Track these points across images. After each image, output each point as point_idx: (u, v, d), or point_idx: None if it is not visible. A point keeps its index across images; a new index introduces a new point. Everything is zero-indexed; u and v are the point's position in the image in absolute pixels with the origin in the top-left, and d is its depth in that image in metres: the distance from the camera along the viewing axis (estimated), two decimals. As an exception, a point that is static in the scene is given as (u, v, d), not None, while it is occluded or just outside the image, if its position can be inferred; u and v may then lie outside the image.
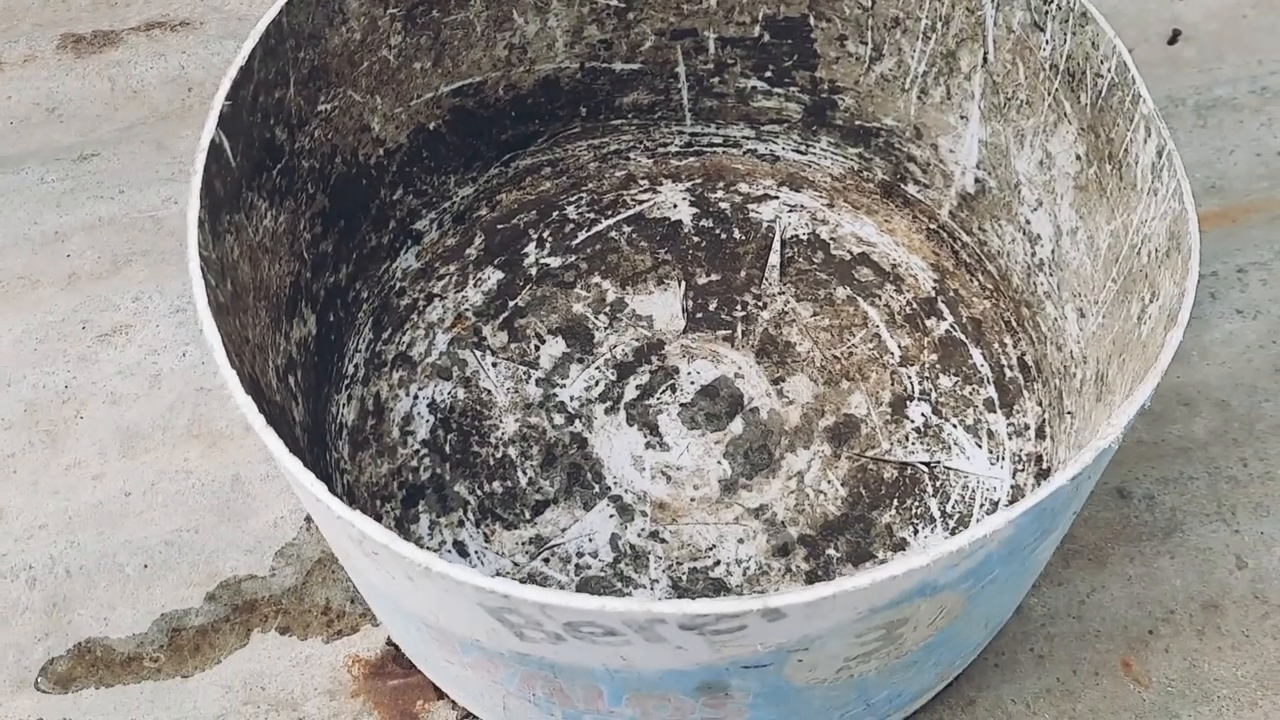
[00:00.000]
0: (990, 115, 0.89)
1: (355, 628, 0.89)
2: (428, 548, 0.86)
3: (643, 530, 0.88)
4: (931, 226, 0.99)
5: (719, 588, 0.85)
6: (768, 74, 0.99)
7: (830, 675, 0.65)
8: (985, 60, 0.87)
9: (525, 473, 0.91)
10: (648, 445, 0.92)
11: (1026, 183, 0.88)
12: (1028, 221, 0.90)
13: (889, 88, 0.95)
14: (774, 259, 1.00)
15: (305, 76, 0.82)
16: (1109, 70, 0.76)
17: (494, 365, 0.96)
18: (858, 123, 0.99)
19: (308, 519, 0.93)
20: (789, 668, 0.62)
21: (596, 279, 1.00)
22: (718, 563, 0.87)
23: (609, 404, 0.93)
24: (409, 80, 0.91)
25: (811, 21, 0.95)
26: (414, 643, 0.75)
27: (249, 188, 0.78)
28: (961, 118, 0.91)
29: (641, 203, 1.04)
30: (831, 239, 1.01)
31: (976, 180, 0.94)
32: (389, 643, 0.88)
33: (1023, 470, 0.89)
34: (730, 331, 0.97)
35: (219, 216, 0.74)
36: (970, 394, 0.92)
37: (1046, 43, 0.81)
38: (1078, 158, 0.82)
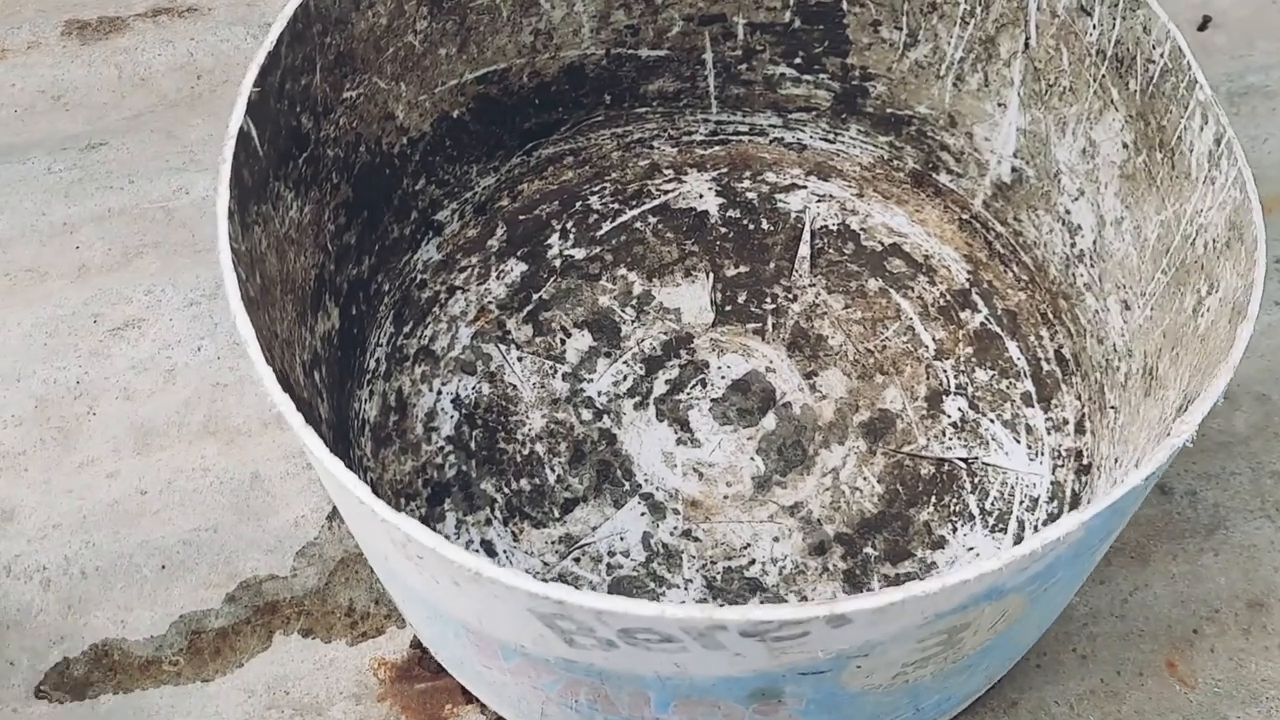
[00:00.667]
0: (1030, 102, 0.87)
1: (380, 629, 0.87)
2: (455, 547, 0.84)
3: (675, 529, 0.86)
4: (964, 217, 0.97)
5: (755, 588, 0.84)
6: (797, 61, 0.97)
7: (886, 681, 0.63)
8: (1027, 46, 0.85)
9: (553, 470, 0.88)
10: (679, 441, 0.89)
11: (1067, 171, 0.86)
12: (1067, 211, 0.88)
13: (923, 74, 0.93)
14: (804, 250, 0.97)
15: (331, 62, 0.80)
16: (1161, 55, 0.74)
17: (519, 360, 0.93)
18: (889, 110, 0.97)
19: (329, 518, 0.91)
20: (846, 674, 0.60)
21: (622, 271, 0.97)
22: (753, 562, 0.85)
23: (638, 399, 0.91)
24: (434, 67, 0.89)
25: (844, 6, 0.92)
26: (449, 647, 0.73)
27: (276, 177, 0.76)
28: (999, 105, 0.89)
29: (666, 193, 1.01)
30: (862, 229, 0.99)
31: (1013, 169, 0.91)
32: (415, 645, 0.86)
33: (1063, 466, 0.87)
34: (760, 324, 0.94)
35: (247, 207, 0.71)
36: (1007, 388, 0.90)
37: (1094, 27, 0.79)
38: (1124, 145, 0.80)
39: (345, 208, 0.86)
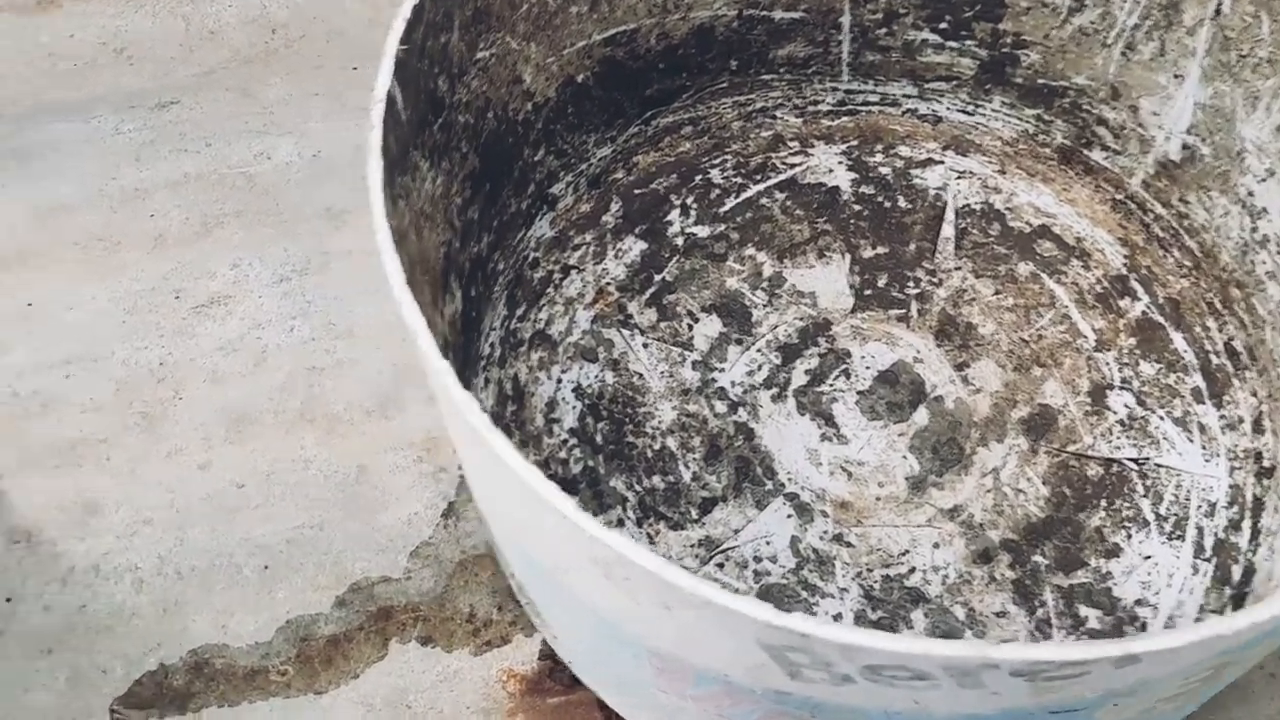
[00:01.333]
0: (1215, 74, 0.80)
1: (505, 638, 0.80)
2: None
3: (825, 533, 0.79)
4: (1118, 197, 0.91)
5: (917, 598, 0.77)
6: (943, 25, 0.90)
7: (1134, 717, 0.57)
8: (1218, 12, 0.78)
9: (688, 466, 0.82)
10: (823, 437, 0.83)
11: (1255, 150, 0.80)
12: (1250, 193, 0.81)
13: (1086, 43, 0.86)
14: (948, 230, 0.91)
15: (469, 19, 0.72)
16: (1397, 27, 0.68)
17: (645, 346, 0.86)
18: (1040, 81, 0.90)
19: (444, 515, 0.84)
20: (1102, 712, 0.54)
21: (750, 251, 0.90)
22: (912, 570, 0.78)
23: (775, 391, 0.85)
24: (565, 26, 0.81)
25: (1005, -32, 0.85)
26: (612, 667, 0.67)
27: (414, 146, 0.69)
28: (1175, 77, 0.83)
29: (793, 166, 0.94)
30: (1007, 209, 0.92)
31: (1184, 147, 0.85)
32: (544, 656, 0.80)
33: (1240, 468, 0.81)
34: (904, 311, 0.88)
35: (393, 179, 0.64)
36: (1175, 383, 0.84)
37: (1308, -6, 0.73)
38: (1336, 125, 0.74)
39: (471, 179, 0.79)
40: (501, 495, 0.60)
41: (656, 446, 0.83)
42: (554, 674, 0.79)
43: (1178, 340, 0.86)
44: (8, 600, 0.80)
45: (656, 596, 0.53)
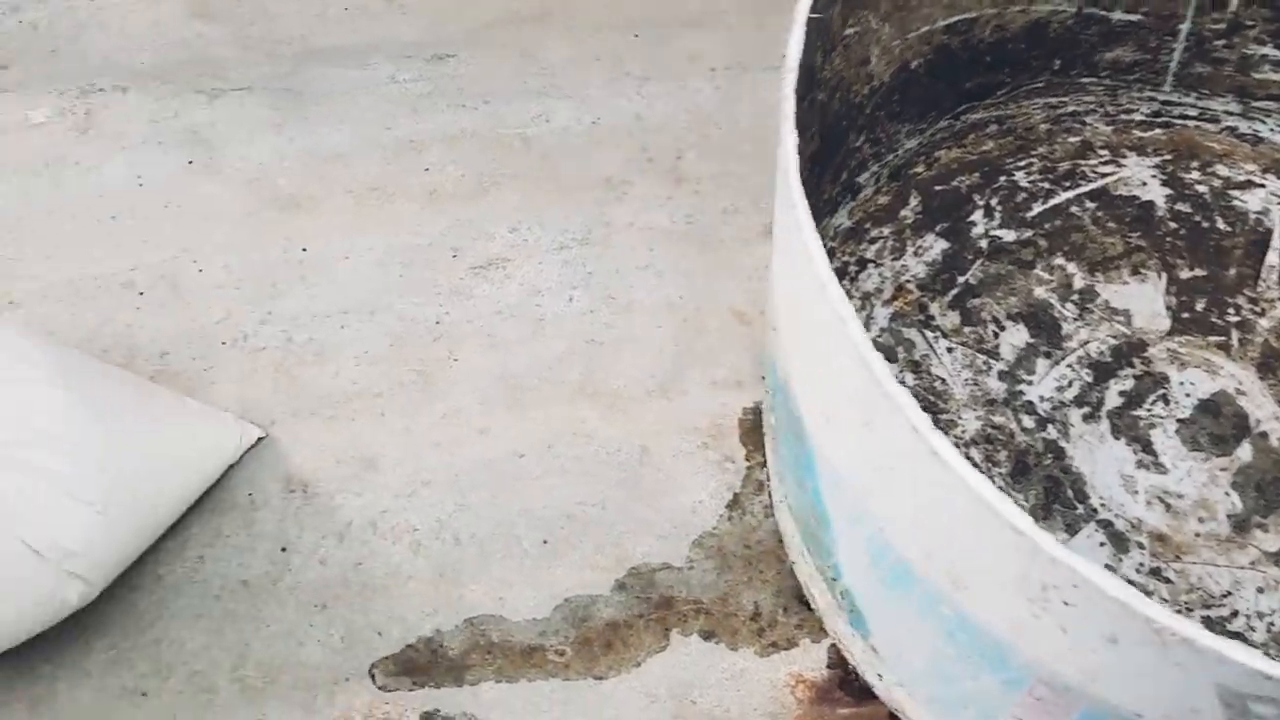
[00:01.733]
0: None
1: (792, 641, 0.77)
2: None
3: (1141, 565, 0.75)
4: None
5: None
6: (1290, 42, 0.85)
7: None
8: None
9: (993, 481, 0.78)
10: (1139, 464, 0.78)
11: None
12: None
13: None
14: (1273, 259, 0.86)
15: (849, -9, 0.69)
16: None
17: (949, 350, 0.82)
18: (1389, 109, 0.85)
19: (729, 506, 0.81)
20: None
21: (1060, 260, 0.86)
22: (1235, 613, 0.74)
23: (1087, 410, 0.80)
24: (917, 9, 0.77)
25: (1379, -15, 0.80)
26: (964, 690, 0.63)
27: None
28: None
29: (1104, 176, 0.90)
30: (1335, 242, 0.87)
31: None
32: (832, 664, 0.76)
33: None
34: (1224, 339, 0.83)
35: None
36: None
37: None
38: None
39: (810, 161, 0.75)
40: (908, 499, 0.56)
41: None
42: (845, 684, 0.75)
43: None
44: (283, 550, 0.78)
45: (1106, 628, 0.49)
